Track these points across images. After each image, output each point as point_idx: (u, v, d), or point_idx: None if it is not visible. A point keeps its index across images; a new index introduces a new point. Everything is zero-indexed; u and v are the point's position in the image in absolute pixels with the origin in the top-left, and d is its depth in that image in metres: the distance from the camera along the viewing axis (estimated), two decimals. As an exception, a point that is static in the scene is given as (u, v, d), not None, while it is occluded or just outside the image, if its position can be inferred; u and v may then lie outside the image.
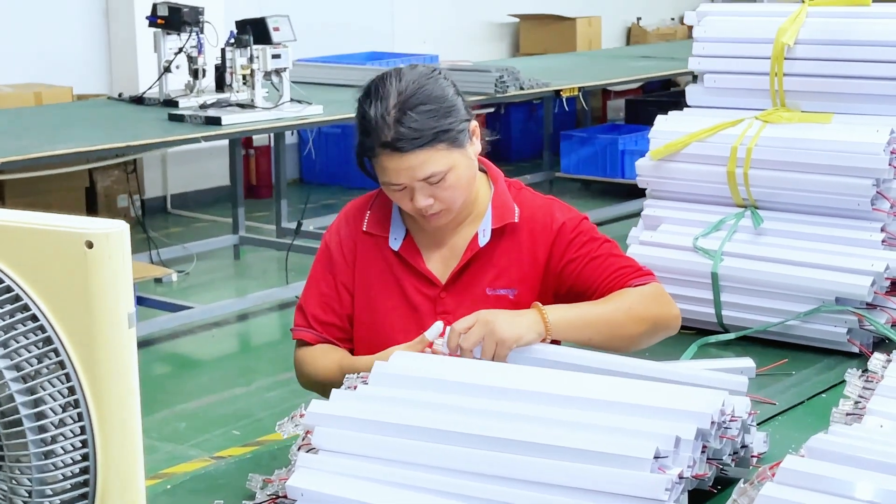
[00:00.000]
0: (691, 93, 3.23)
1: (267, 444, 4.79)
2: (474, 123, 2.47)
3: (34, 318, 1.39)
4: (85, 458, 1.41)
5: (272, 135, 7.90)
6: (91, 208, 8.42)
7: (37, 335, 1.39)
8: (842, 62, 3.01)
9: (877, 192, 2.84)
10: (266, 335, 6.62)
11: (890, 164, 2.83)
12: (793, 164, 2.95)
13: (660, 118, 3.16)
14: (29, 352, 1.37)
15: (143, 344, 6.00)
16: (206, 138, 5.95)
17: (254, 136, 8.46)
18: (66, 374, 1.40)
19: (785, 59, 3.04)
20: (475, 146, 2.47)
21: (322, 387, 2.51)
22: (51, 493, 1.40)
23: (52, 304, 1.40)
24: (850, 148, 2.87)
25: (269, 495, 1.98)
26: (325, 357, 2.51)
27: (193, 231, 8.48)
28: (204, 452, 4.82)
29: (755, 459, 2.08)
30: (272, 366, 5.84)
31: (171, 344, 6.21)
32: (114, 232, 1.38)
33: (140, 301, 6.31)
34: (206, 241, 7.73)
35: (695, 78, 3.25)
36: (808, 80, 3.04)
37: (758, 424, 2.19)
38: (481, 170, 2.56)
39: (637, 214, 3.49)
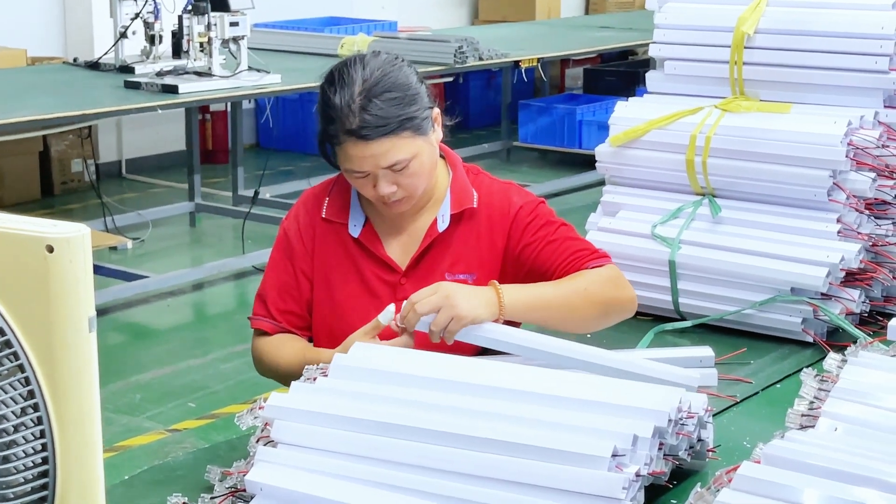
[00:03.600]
0: (651, 79, 3.24)
1: (222, 416, 4.80)
2: (436, 110, 2.48)
3: (-6, 322, 1.39)
4: (45, 461, 1.41)
5: (229, 102, 7.85)
6: (45, 173, 8.35)
7: (-4, 338, 1.38)
8: (801, 52, 3.02)
9: (833, 183, 2.86)
10: (222, 305, 6.61)
11: (847, 156, 2.85)
12: (751, 153, 2.96)
13: (620, 104, 3.17)
14: (-12, 356, 1.37)
15: (98, 313, 5.93)
16: (163, 107, 5.91)
17: (210, 103, 8.41)
18: (26, 378, 1.39)
19: (745, 47, 3.05)
20: (437, 133, 2.48)
21: (283, 377, 2.51)
22: (12, 496, 1.39)
23: (11, 308, 1.39)
24: (807, 139, 2.88)
25: (227, 488, 1.98)
26: (285, 347, 2.51)
27: (149, 196, 8.43)
28: (159, 425, 4.81)
29: (711, 452, 2.11)
30: (228, 337, 5.83)
31: (126, 313, 6.18)
32: (74, 236, 1.37)
33: (95, 269, 6.24)
34: (162, 207, 7.69)
35: (654, 64, 3.25)
36: (767, 69, 3.06)
37: (714, 415, 2.21)
38: (440, 155, 2.56)
39: (594, 185, 3.52)
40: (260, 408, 2.03)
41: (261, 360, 2.55)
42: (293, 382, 2.08)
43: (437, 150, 2.50)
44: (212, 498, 1.97)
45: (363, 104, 2.34)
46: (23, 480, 1.39)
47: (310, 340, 2.56)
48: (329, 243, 2.54)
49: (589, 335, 2.68)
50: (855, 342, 2.23)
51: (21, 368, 1.39)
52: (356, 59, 2.42)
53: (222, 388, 5.17)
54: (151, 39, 6.59)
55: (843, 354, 2.08)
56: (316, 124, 2.45)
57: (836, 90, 2.99)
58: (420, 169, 2.42)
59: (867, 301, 2.90)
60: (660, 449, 1.90)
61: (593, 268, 2.46)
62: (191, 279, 6.60)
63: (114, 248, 6.75)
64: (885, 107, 2.95)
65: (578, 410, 1.91)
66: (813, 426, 1.89)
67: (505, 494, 1.79)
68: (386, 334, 2.33)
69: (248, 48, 6.35)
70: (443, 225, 2.52)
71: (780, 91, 3.05)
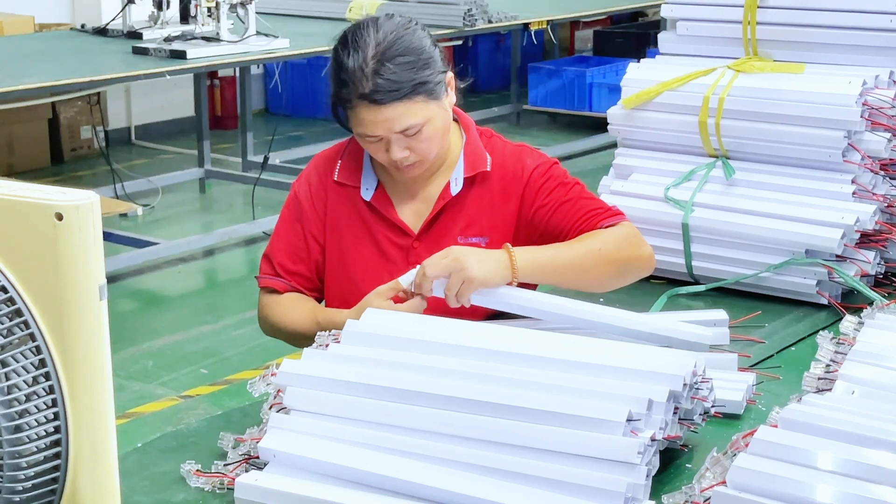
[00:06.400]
0: (664, 40, 3.20)
1: (235, 382, 4.80)
2: (450, 75, 2.46)
3: (3, 290, 1.38)
4: (57, 429, 1.40)
5: (237, 67, 7.83)
6: (54, 140, 8.34)
7: (7, 307, 1.37)
8: (815, 11, 2.98)
9: (848, 143, 2.83)
10: (232, 271, 6.61)
11: (862, 116, 2.82)
12: (764, 114, 2.93)
13: (632, 66, 3.13)
14: (-1, 323, 1.36)
15: (108, 280, 5.94)
16: (171, 72, 5.88)
17: (219, 68, 8.39)
18: (37, 347, 1.39)
19: (758, 7, 3.02)
20: (451, 98, 2.46)
21: (289, 337, 2.51)
22: (25, 465, 1.39)
23: (21, 276, 1.38)
24: (822, 99, 2.85)
25: (241, 455, 1.97)
26: (298, 307, 2.50)
27: (158, 163, 8.42)
28: (172, 391, 4.82)
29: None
30: (239, 303, 5.83)
31: (137, 280, 6.19)
32: (83, 203, 1.36)
33: (105, 236, 6.23)
34: (172, 174, 7.69)
35: (666, 24, 3.22)
36: (780, 28, 3.02)
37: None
38: (454, 119, 2.54)
39: (604, 148, 3.47)
40: (272, 374, 2.02)
41: (267, 319, 2.54)
42: (305, 349, 2.07)
43: (450, 115, 2.48)
44: (225, 465, 1.96)
45: (376, 68, 2.32)
46: (35, 449, 1.39)
47: (319, 302, 2.55)
48: (341, 207, 2.53)
49: (602, 298, 2.67)
50: (870, 304, 2.22)
51: (32, 337, 1.38)
52: (369, 21, 2.39)
53: (234, 355, 5.18)
54: (159, 5, 6.57)
55: (860, 317, 2.07)
56: (328, 87, 2.43)
57: (850, 49, 2.95)
58: (433, 133, 2.40)
59: (882, 262, 2.87)
60: (675, 413, 1.89)
61: (608, 227, 2.44)
62: (201, 245, 6.60)
63: (124, 215, 6.75)
64: (900, 66, 2.92)
65: (593, 375, 1.90)
66: (830, 389, 1.87)
67: (519, 460, 1.78)
68: (399, 298, 2.32)
69: (256, 12, 6.33)
70: (456, 188, 2.51)
71: (794, 51, 3.02)
